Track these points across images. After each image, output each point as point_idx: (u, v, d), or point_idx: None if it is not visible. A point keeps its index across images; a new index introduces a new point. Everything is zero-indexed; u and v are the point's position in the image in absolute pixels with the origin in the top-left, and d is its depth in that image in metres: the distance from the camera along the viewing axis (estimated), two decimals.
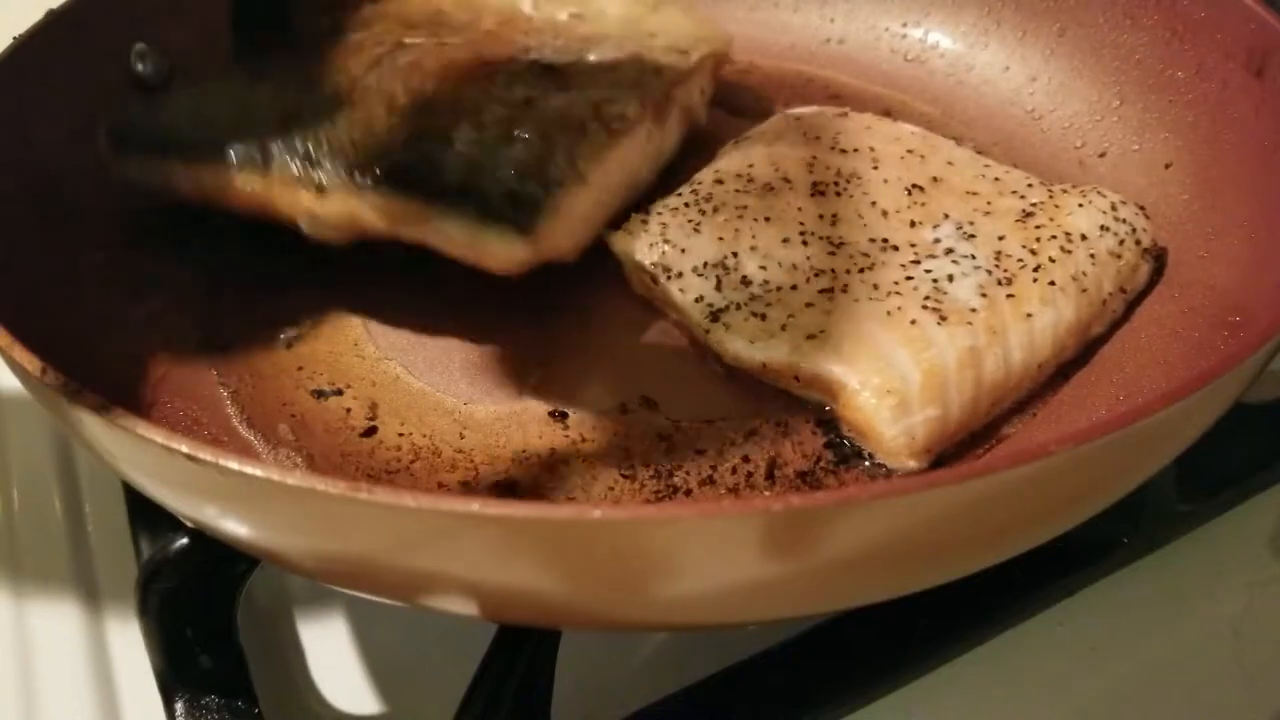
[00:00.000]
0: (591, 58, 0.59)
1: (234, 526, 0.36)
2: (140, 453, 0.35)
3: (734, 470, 0.46)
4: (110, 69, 0.60)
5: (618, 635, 0.48)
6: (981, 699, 0.46)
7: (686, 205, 0.54)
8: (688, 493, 0.45)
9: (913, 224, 0.51)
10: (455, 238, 0.49)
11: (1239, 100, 0.53)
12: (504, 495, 0.45)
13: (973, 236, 0.50)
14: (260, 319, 0.54)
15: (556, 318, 0.53)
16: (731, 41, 0.64)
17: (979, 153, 0.57)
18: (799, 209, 0.53)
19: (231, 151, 0.52)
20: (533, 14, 0.64)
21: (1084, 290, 0.48)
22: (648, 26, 0.63)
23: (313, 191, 0.50)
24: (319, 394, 0.50)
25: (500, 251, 0.49)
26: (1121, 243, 0.50)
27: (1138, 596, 0.49)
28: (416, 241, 0.50)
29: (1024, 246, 0.49)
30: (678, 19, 0.64)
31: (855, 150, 0.56)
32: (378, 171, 0.49)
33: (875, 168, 0.55)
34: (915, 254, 0.50)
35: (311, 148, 0.51)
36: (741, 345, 0.48)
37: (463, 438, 0.47)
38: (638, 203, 0.57)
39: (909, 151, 0.56)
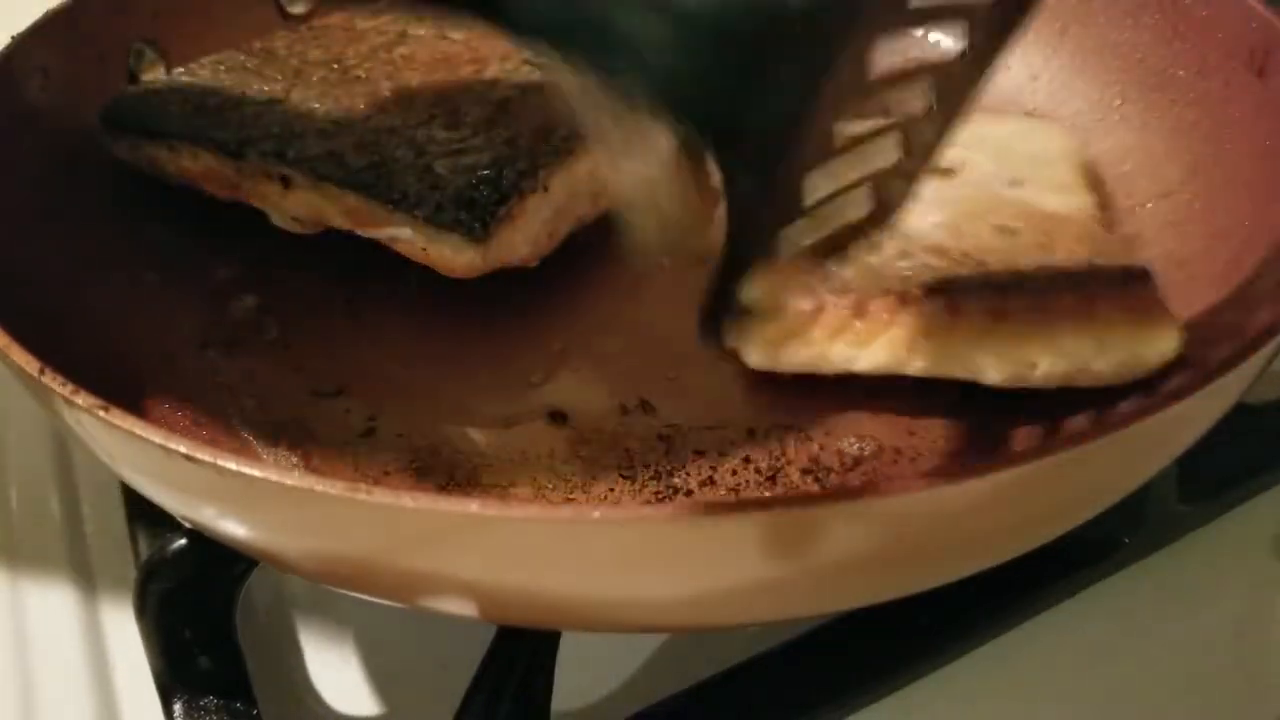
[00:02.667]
0: None
1: (232, 527, 0.36)
2: (138, 453, 0.35)
3: (734, 471, 0.46)
4: (110, 69, 0.60)
5: (618, 635, 0.48)
6: (982, 700, 0.45)
7: None
8: (688, 493, 0.45)
9: None
10: (411, 240, 0.50)
11: (1240, 99, 0.53)
12: (503, 496, 0.45)
13: None
14: (260, 319, 0.54)
15: (557, 318, 0.53)
16: None
17: None
18: None
19: (209, 140, 0.52)
20: None
21: None
22: None
23: (279, 184, 0.51)
24: (318, 394, 0.50)
25: (452, 257, 0.49)
26: None
27: (1139, 597, 0.49)
28: (378, 240, 0.51)
29: None
30: None
31: None
32: (338, 169, 0.50)
33: None
34: None
35: (284, 140, 0.51)
36: None
37: (463, 438, 0.47)
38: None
39: None
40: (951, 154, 0.55)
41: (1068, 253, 0.48)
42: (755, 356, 0.47)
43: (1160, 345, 0.46)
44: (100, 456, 0.39)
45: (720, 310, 0.44)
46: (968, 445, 0.47)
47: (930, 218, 0.51)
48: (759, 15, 0.31)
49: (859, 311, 0.46)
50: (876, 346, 0.46)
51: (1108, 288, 0.46)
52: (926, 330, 0.46)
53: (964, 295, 0.46)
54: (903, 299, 0.46)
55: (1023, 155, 0.55)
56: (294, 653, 0.49)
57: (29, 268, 0.49)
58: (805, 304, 0.46)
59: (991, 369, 0.46)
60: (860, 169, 0.40)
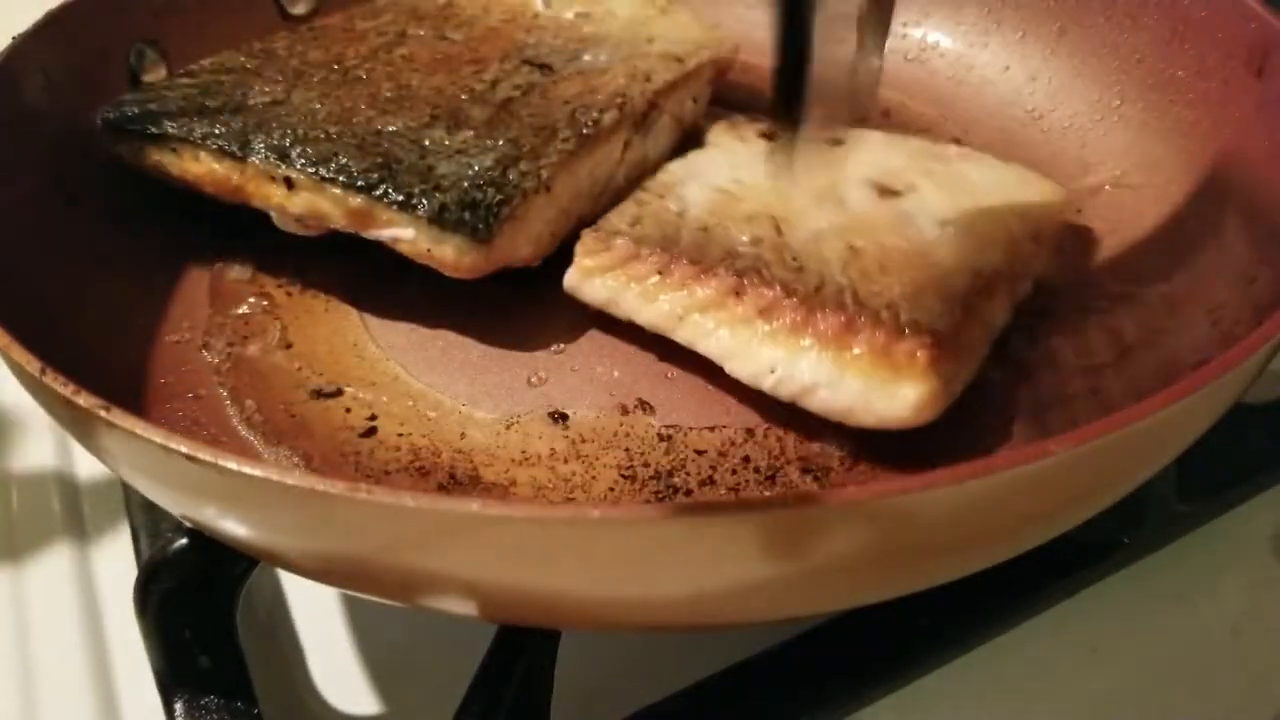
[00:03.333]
0: (585, 59, 0.59)
1: (233, 527, 0.36)
2: (139, 453, 0.35)
3: (734, 471, 0.46)
4: (110, 69, 0.60)
5: (618, 635, 0.48)
6: (982, 700, 0.45)
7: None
8: (688, 493, 0.45)
9: None
10: (414, 241, 0.50)
11: (1239, 100, 0.53)
12: (503, 496, 0.45)
13: None
14: (261, 319, 0.54)
15: (557, 318, 0.53)
16: (737, 49, 0.64)
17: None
18: None
19: (211, 142, 0.52)
20: (542, 11, 0.64)
21: None
22: (650, 30, 0.63)
23: (282, 186, 0.51)
24: (318, 394, 0.50)
25: (456, 257, 0.49)
26: None
27: (1138, 597, 0.49)
28: (379, 241, 0.51)
29: None
30: (685, 24, 0.64)
31: None
32: (342, 170, 0.50)
33: None
34: None
35: (287, 142, 0.52)
36: None
37: (463, 438, 0.47)
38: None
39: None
40: (906, 178, 0.53)
41: (893, 284, 0.46)
42: (569, 280, 0.51)
43: (895, 403, 0.43)
44: (101, 456, 0.39)
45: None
46: (967, 446, 0.47)
47: (815, 224, 0.50)
48: None
49: (661, 270, 0.49)
50: (657, 305, 0.49)
51: (870, 327, 0.44)
52: (704, 306, 0.48)
53: (751, 283, 0.47)
54: (701, 271, 0.48)
55: (975, 203, 0.51)
56: (294, 653, 0.49)
57: (29, 268, 0.49)
58: (622, 248, 0.49)
59: (736, 358, 0.47)
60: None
